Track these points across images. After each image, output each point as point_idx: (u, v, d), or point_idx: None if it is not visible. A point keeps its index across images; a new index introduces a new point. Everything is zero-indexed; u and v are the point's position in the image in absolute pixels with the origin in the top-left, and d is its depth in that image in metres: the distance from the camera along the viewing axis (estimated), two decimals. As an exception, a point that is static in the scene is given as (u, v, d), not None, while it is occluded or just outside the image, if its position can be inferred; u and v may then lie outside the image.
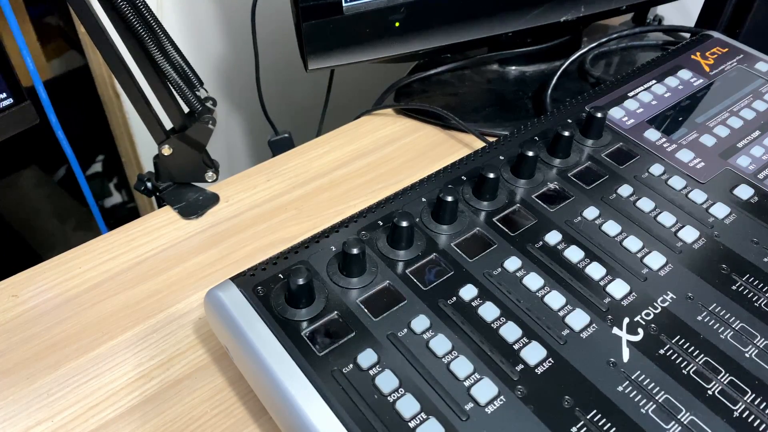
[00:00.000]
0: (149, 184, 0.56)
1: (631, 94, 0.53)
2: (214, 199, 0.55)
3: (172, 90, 0.51)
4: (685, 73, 0.55)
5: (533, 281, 0.39)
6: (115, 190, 1.37)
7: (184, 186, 0.56)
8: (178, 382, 0.42)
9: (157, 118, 0.52)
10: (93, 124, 1.11)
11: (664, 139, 0.49)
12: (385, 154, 0.60)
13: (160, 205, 0.56)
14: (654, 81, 0.54)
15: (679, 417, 0.33)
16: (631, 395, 0.34)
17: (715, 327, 0.37)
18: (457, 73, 0.68)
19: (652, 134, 0.49)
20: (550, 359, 0.35)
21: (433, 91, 0.66)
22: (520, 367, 0.35)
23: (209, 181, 0.56)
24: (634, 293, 0.38)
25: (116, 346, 0.44)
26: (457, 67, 0.68)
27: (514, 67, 0.68)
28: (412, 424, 0.32)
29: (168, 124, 0.53)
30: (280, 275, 0.39)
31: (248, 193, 0.56)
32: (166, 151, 0.53)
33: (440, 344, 0.35)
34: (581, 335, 0.36)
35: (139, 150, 1.01)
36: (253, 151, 1.12)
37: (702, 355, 0.35)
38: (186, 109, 0.52)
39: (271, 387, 0.35)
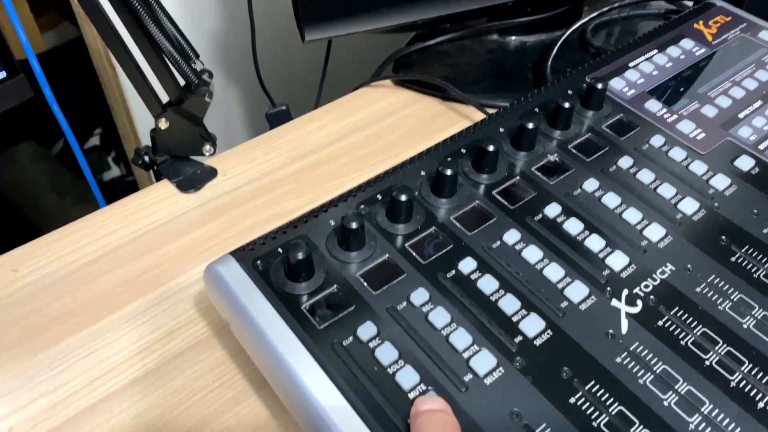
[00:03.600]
0: (147, 158, 0.55)
1: (632, 64, 0.53)
2: (211, 172, 0.55)
3: (168, 62, 0.50)
4: (687, 43, 0.54)
5: (532, 254, 0.39)
6: (114, 163, 1.36)
7: (181, 160, 0.55)
8: (179, 355, 0.42)
9: (153, 91, 0.51)
10: (89, 97, 1.10)
11: (665, 110, 0.49)
12: (383, 127, 0.59)
13: (158, 179, 0.56)
14: (656, 51, 0.54)
15: (676, 387, 0.33)
16: (629, 366, 0.34)
17: (713, 298, 0.37)
18: (457, 44, 0.67)
19: (653, 105, 0.49)
20: (548, 331, 0.35)
21: (432, 61, 0.66)
22: (518, 338, 0.35)
23: (206, 154, 0.55)
24: (633, 265, 0.38)
25: (116, 320, 0.44)
26: (456, 38, 0.67)
27: (514, 37, 0.67)
28: (411, 395, 0.33)
29: (164, 97, 0.53)
30: (279, 249, 0.39)
31: (246, 166, 0.56)
32: (163, 124, 0.52)
33: (439, 317, 0.36)
34: (580, 307, 0.36)
35: (136, 123, 1.01)
36: (251, 123, 1.12)
37: (700, 326, 0.36)
38: (182, 82, 0.52)
39: (272, 360, 0.35)
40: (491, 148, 0.42)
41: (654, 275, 0.38)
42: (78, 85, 1.11)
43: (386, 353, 0.34)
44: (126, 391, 0.40)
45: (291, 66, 1.03)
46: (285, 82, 1.03)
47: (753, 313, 0.36)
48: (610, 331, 0.35)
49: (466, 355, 0.34)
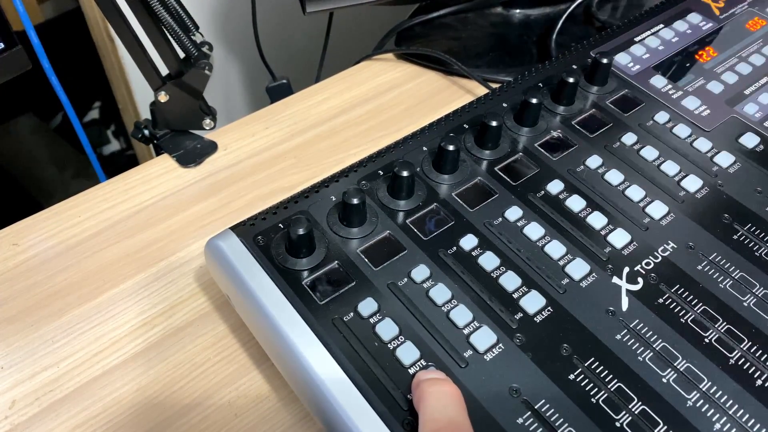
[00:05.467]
0: (146, 132, 0.55)
1: (637, 38, 0.52)
2: (212, 147, 0.54)
3: (167, 34, 0.49)
4: (694, 17, 0.54)
5: (534, 231, 0.39)
6: (113, 137, 1.35)
7: (181, 134, 0.55)
8: (181, 330, 0.42)
9: (152, 64, 0.50)
10: (88, 70, 1.09)
11: (670, 86, 0.48)
12: (385, 101, 0.59)
13: (158, 153, 0.56)
14: (662, 25, 0.53)
15: (675, 364, 0.33)
16: (628, 343, 0.34)
17: (714, 276, 0.37)
18: (460, 17, 0.66)
19: (658, 81, 0.48)
20: (549, 308, 0.35)
21: (435, 35, 0.65)
22: (519, 315, 0.35)
23: (207, 128, 0.55)
24: (635, 243, 0.38)
25: (118, 295, 0.44)
26: (459, 10, 0.66)
27: (518, 10, 0.66)
28: (411, 371, 0.33)
29: (164, 70, 0.52)
30: (280, 225, 0.39)
31: (246, 141, 0.55)
32: (163, 98, 0.52)
33: (440, 293, 0.36)
34: (581, 284, 0.36)
35: (135, 96, 1.00)
36: (251, 97, 1.11)
37: (700, 304, 0.36)
38: (182, 55, 0.51)
39: (273, 335, 0.35)
40: (494, 123, 0.42)
41: (655, 253, 0.38)
42: (76, 57, 1.10)
43: (387, 329, 0.34)
44: (128, 364, 0.41)
45: (292, 39, 1.01)
46: (286, 55, 1.02)
47: (753, 291, 0.36)
48: (611, 308, 0.35)
49: (466, 331, 0.34)
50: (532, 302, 0.35)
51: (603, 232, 0.39)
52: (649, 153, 0.43)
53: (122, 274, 0.45)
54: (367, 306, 0.35)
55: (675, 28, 0.53)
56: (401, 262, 0.37)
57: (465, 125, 0.45)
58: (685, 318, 0.35)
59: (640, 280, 0.37)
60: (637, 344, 0.34)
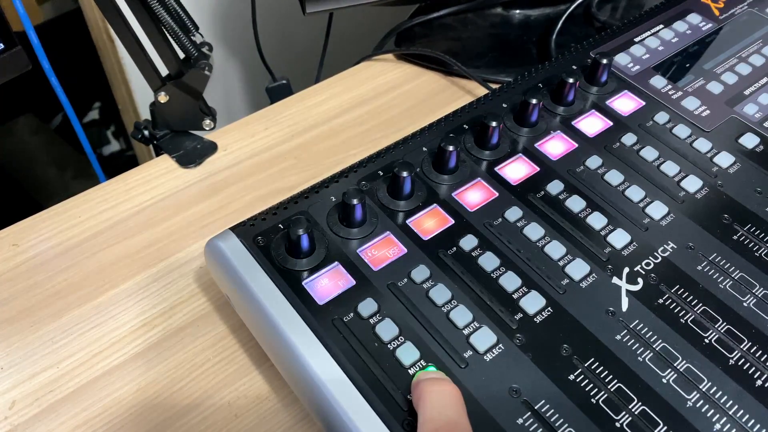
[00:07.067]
0: (146, 132, 0.55)
1: (637, 39, 0.52)
2: (212, 147, 0.54)
3: (167, 35, 0.49)
4: (694, 17, 0.54)
5: (534, 231, 0.39)
6: (113, 137, 1.35)
7: (181, 134, 0.55)
8: (181, 330, 0.42)
9: (152, 65, 0.51)
10: (88, 70, 1.09)
11: (670, 87, 0.48)
12: (385, 102, 0.59)
13: (158, 154, 0.56)
14: (661, 26, 0.53)
15: (675, 365, 0.33)
16: (628, 344, 0.34)
17: (714, 276, 0.37)
18: (460, 17, 0.66)
19: (658, 81, 0.48)
20: (549, 308, 0.35)
21: (435, 35, 0.65)
22: (519, 316, 0.35)
23: (206, 129, 0.55)
24: (635, 243, 0.38)
25: (118, 295, 0.44)
26: (459, 11, 0.66)
27: (518, 11, 0.66)
28: (411, 371, 0.33)
29: (164, 71, 0.52)
30: (280, 225, 0.39)
31: (246, 141, 0.55)
32: (163, 98, 0.52)
33: (440, 293, 0.36)
34: (581, 285, 0.36)
35: (135, 97, 1.00)
36: (251, 98, 1.11)
37: (700, 305, 0.36)
38: (182, 55, 0.51)
39: (273, 335, 0.35)
40: (494, 123, 0.42)
41: (655, 253, 0.38)
42: (76, 58, 1.10)
43: (387, 329, 0.34)
44: (128, 365, 0.41)
45: (292, 39, 1.01)
46: (286, 55, 1.02)
47: (754, 291, 0.36)
48: (611, 308, 0.35)
49: (466, 331, 0.34)
50: (532, 303, 0.35)
51: (603, 233, 0.39)
52: (649, 153, 0.43)
53: (122, 275, 0.45)
54: (367, 306, 0.35)
55: (675, 29, 0.53)
56: (401, 262, 0.37)
57: (465, 126, 0.45)
58: (685, 318, 0.35)
59: (640, 280, 0.37)
60: (637, 344, 0.34)
